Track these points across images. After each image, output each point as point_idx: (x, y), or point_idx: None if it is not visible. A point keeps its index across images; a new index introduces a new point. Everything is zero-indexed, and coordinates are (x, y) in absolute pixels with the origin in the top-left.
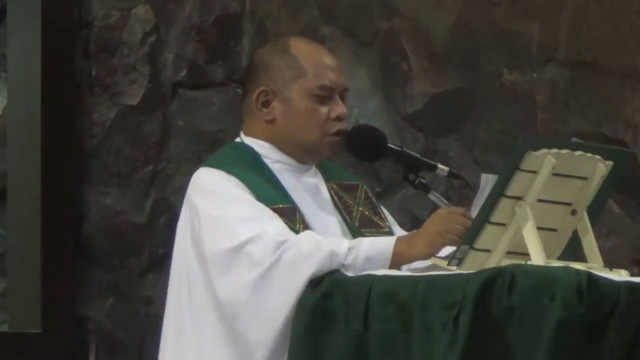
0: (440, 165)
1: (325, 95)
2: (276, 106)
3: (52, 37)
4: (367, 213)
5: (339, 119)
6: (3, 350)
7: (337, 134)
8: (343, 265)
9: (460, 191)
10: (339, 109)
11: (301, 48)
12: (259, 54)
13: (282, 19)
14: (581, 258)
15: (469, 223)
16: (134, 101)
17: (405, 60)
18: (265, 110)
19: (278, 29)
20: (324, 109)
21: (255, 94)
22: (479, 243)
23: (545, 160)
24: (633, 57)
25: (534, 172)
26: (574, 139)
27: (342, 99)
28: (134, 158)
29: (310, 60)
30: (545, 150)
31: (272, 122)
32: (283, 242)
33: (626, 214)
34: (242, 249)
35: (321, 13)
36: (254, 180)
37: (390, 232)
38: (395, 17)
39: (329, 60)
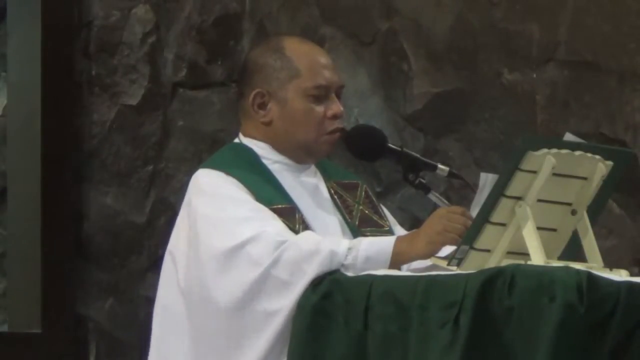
0: (440, 165)
1: (321, 95)
2: (272, 108)
3: (52, 37)
4: (367, 212)
5: (335, 117)
6: (3, 350)
7: (335, 132)
8: (343, 265)
9: (460, 191)
10: (335, 107)
11: (295, 48)
12: (252, 55)
13: (282, 19)
14: (581, 258)
15: (469, 222)
16: (134, 101)
17: (405, 60)
18: (261, 112)
19: (278, 29)
20: (320, 109)
21: (251, 96)
22: (479, 243)
23: (545, 160)
24: (633, 57)
25: (534, 172)
26: (567, 134)
27: (338, 96)
28: (134, 158)
29: (305, 60)
30: (545, 150)
31: (269, 123)
32: (283, 242)
33: (626, 214)
34: (242, 248)
35: (321, 13)
36: (253, 181)
37: (390, 231)
38: (395, 17)
39: (323, 59)
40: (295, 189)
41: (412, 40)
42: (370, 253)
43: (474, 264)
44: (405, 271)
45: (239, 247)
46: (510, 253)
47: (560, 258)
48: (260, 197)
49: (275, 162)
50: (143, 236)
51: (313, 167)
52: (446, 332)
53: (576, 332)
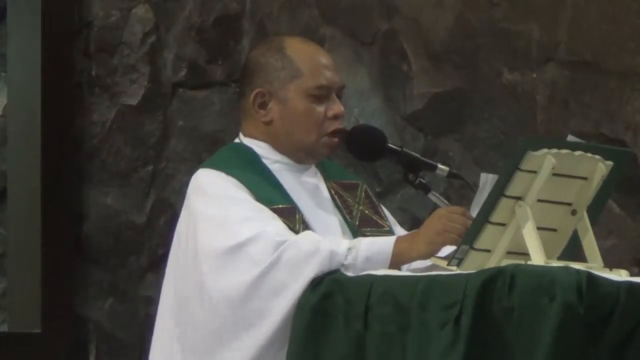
0: (440, 165)
1: (322, 95)
2: (273, 107)
3: (52, 37)
4: (367, 212)
5: (336, 117)
6: (3, 350)
7: (335, 133)
8: (343, 265)
9: (460, 191)
10: (336, 107)
11: (296, 48)
12: (253, 55)
13: (282, 19)
14: (581, 258)
15: (469, 222)
16: (134, 101)
17: (405, 60)
18: (262, 111)
19: (278, 29)
20: (320, 109)
21: (252, 96)
22: (479, 243)
23: (545, 160)
24: (633, 57)
25: (534, 172)
26: (570, 136)
27: (339, 96)
28: (134, 158)
29: (306, 60)
30: (545, 150)
31: (269, 123)
32: (282, 242)
33: (626, 214)
34: (242, 248)
35: (321, 13)
36: (254, 181)
37: (390, 231)
38: (395, 17)
39: (324, 59)
40: (295, 189)
41: (412, 40)
42: (370, 253)
43: (474, 264)
44: (405, 271)
45: (238, 246)
46: (510, 253)
47: (560, 258)
48: (260, 197)
49: (276, 162)
50: (143, 236)
51: (313, 167)
52: (446, 333)
53: (576, 332)
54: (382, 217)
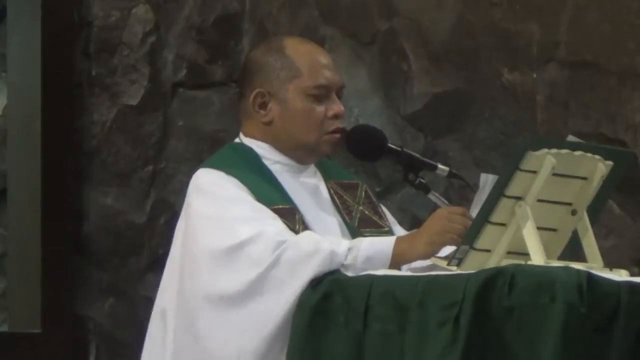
0: (440, 165)
1: (321, 95)
2: (273, 107)
3: (52, 37)
4: (367, 212)
5: (336, 117)
6: (3, 350)
7: (336, 132)
8: (343, 265)
9: (460, 191)
10: (336, 107)
11: (295, 48)
12: (253, 55)
13: (282, 19)
14: (581, 258)
15: (469, 223)
16: (134, 101)
17: (405, 60)
18: (262, 112)
19: (278, 29)
20: (320, 108)
21: (251, 97)
22: (479, 243)
23: (545, 160)
24: (633, 57)
25: (534, 172)
26: (570, 136)
27: (339, 96)
28: (134, 158)
29: (305, 60)
30: (545, 150)
31: (269, 123)
32: (282, 242)
33: (626, 214)
34: (242, 248)
35: (321, 13)
36: (254, 181)
37: (390, 232)
38: (395, 17)
39: (323, 58)
40: (295, 190)
41: (412, 40)
42: (371, 253)
43: (474, 264)
44: (405, 271)
45: (238, 246)
46: (510, 253)
47: (560, 258)
48: (260, 197)
49: (276, 162)
50: (143, 236)
51: (313, 167)
52: (446, 332)
53: (576, 332)
54: (382, 217)
